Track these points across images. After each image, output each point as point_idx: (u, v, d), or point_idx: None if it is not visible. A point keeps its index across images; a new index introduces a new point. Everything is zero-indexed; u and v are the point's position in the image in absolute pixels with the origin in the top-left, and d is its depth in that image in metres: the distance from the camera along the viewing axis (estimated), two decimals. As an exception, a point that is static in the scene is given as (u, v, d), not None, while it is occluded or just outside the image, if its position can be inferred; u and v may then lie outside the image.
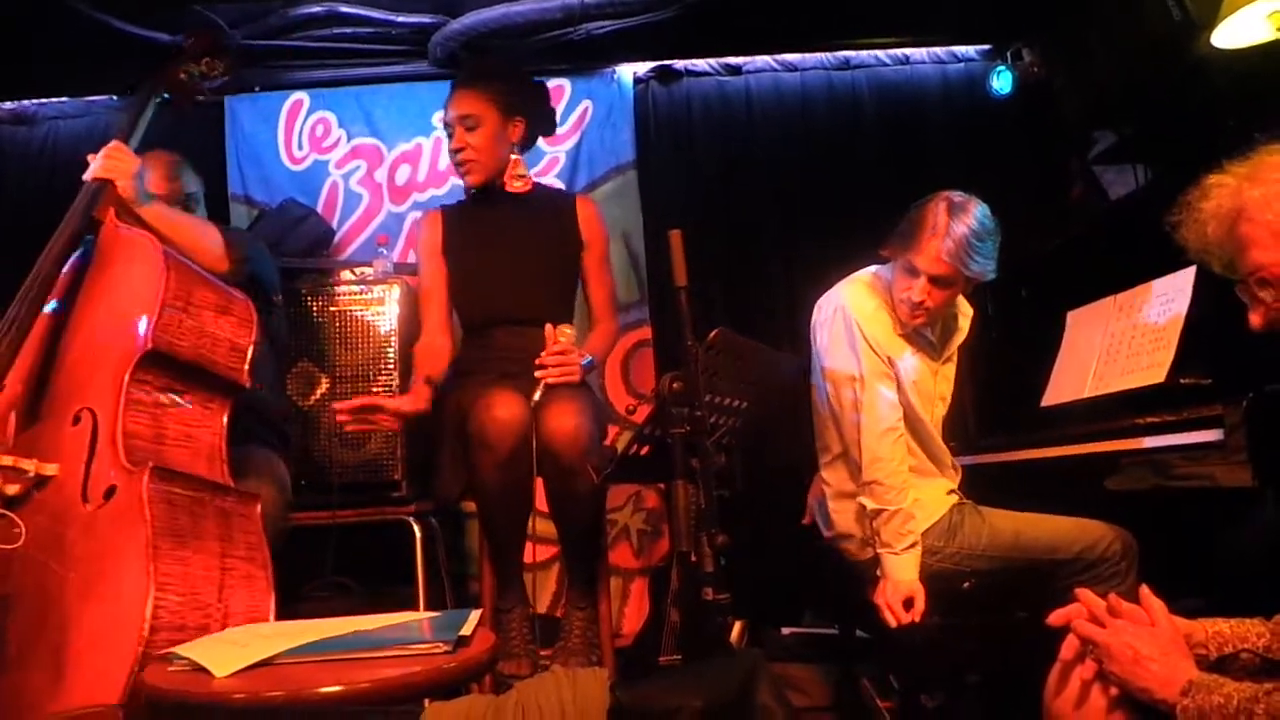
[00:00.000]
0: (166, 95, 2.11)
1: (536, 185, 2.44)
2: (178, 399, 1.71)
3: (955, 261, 1.92)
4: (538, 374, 2.09)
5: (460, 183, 3.37)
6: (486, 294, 2.32)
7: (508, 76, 2.41)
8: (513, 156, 2.38)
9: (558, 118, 3.48)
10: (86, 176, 1.90)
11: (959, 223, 1.92)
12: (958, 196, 1.97)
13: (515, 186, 2.36)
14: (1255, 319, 1.35)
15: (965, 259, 1.92)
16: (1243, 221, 1.33)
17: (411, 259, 3.38)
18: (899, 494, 1.96)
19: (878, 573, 1.97)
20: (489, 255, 2.32)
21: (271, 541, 1.88)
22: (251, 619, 1.54)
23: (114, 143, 1.94)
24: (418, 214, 3.41)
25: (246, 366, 1.80)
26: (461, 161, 2.33)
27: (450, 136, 2.34)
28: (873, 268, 2.18)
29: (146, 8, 3.06)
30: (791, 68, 3.58)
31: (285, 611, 2.29)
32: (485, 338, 2.31)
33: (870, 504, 1.96)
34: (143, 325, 1.67)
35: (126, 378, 1.63)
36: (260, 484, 1.92)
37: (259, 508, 1.68)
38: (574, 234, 2.39)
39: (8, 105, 3.44)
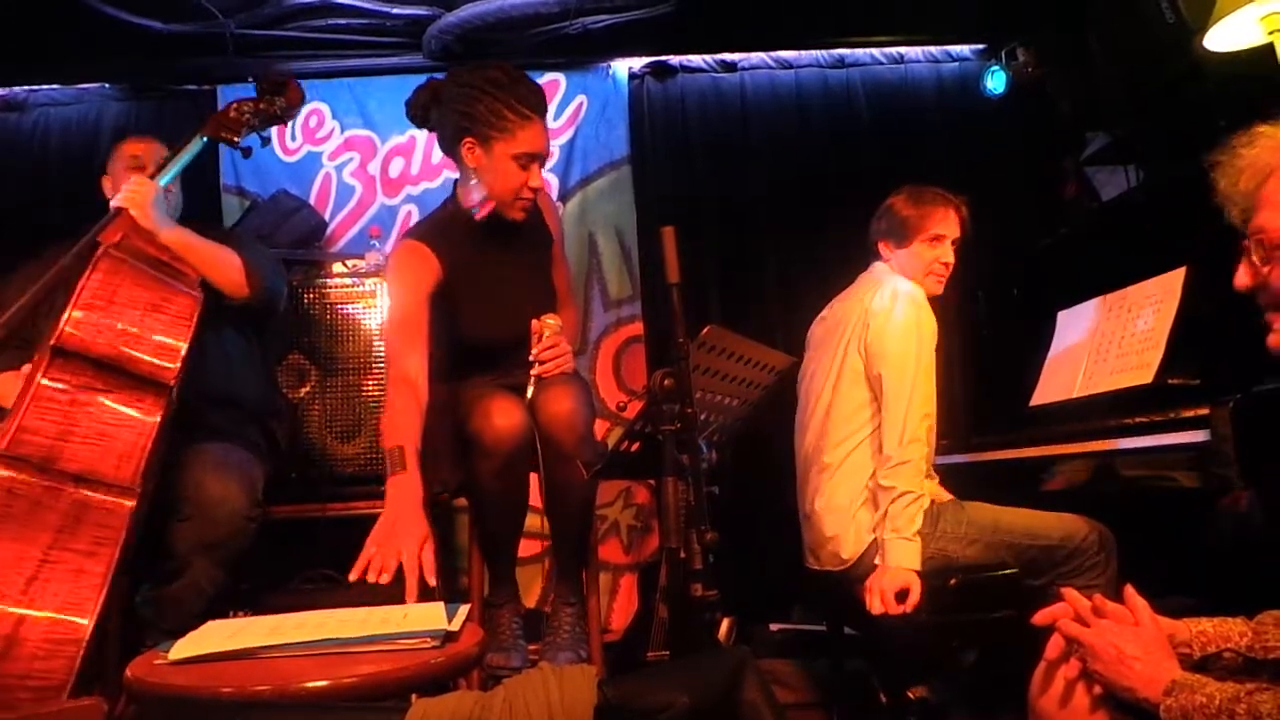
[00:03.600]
0: (206, 139, 2.24)
1: None
2: (99, 397, 1.71)
3: (969, 221, 2.24)
4: (533, 371, 2.10)
5: (454, 176, 3.41)
6: (493, 321, 2.22)
7: None
8: None
9: (553, 112, 3.50)
10: (112, 204, 2.09)
11: (948, 192, 2.24)
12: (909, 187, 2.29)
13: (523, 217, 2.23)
14: (1242, 278, 1.32)
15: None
16: (1272, 180, 1.29)
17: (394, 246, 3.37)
18: (922, 480, 2.00)
19: (875, 561, 1.98)
20: (493, 284, 2.23)
21: (235, 541, 1.91)
22: (62, 615, 1.53)
23: (137, 176, 2.11)
24: (411, 207, 3.41)
25: (178, 365, 1.78)
26: (530, 200, 2.16)
27: (525, 168, 2.12)
28: (884, 270, 2.24)
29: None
30: (787, 65, 3.58)
31: (273, 603, 2.31)
32: (482, 352, 2.25)
33: (898, 485, 1.97)
34: (60, 323, 1.71)
35: (39, 375, 1.67)
36: (228, 485, 1.92)
37: (133, 504, 1.66)
38: (546, 232, 2.38)
39: (-1, 92, 3.42)
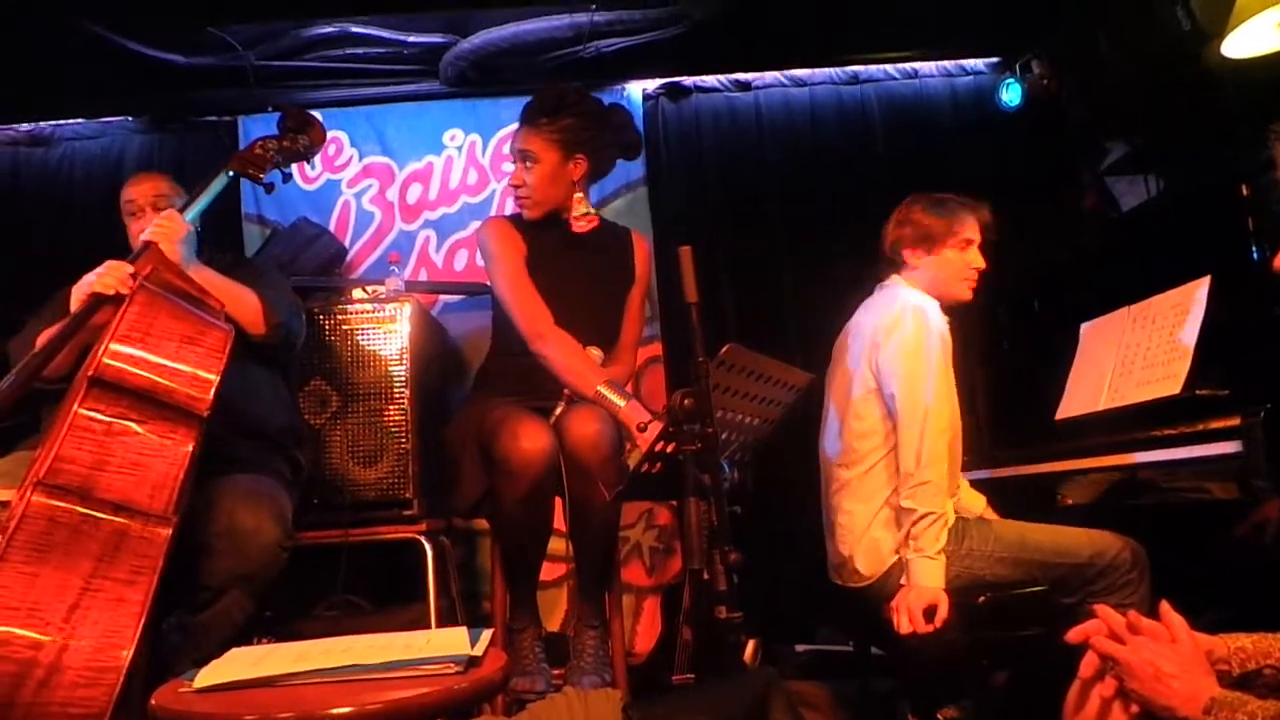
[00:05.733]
0: (232, 173, 2.28)
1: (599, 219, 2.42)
2: (134, 426, 1.72)
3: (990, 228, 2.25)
4: (566, 390, 2.11)
5: (471, 201, 3.45)
6: None
7: (577, 111, 2.32)
8: (575, 195, 2.34)
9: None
10: (141, 238, 2.12)
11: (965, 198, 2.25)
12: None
13: (580, 227, 2.33)
14: None
15: None
16: None
17: (423, 276, 3.39)
18: (944, 499, 1.97)
19: (901, 581, 1.96)
20: (553, 285, 2.28)
21: (268, 572, 1.92)
22: (103, 643, 1.53)
23: (168, 210, 2.16)
24: (430, 232, 3.44)
25: (211, 397, 1.80)
26: (517, 197, 2.34)
27: (514, 168, 2.35)
28: (897, 281, 2.22)
29: (162, 31, 3.10)
30: (800, 83, 3.59)
31: (296, 630, 2.31)
32: (522, 358, 2.27)
33: (919, 507, 1.94)
34: (98, 354, 1.72)
35: (76, 405, 1.67)
36: (260, 516, 1.93)
37: (169, 531, 1.67)
38: (630, 272, 2.41)
39: (25, 127, 3.48)
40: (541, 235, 2.34)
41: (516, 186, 2.31)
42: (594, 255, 2.36)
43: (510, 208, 3.33)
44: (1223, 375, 1.90)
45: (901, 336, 2.05)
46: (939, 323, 2.08)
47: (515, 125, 2.38)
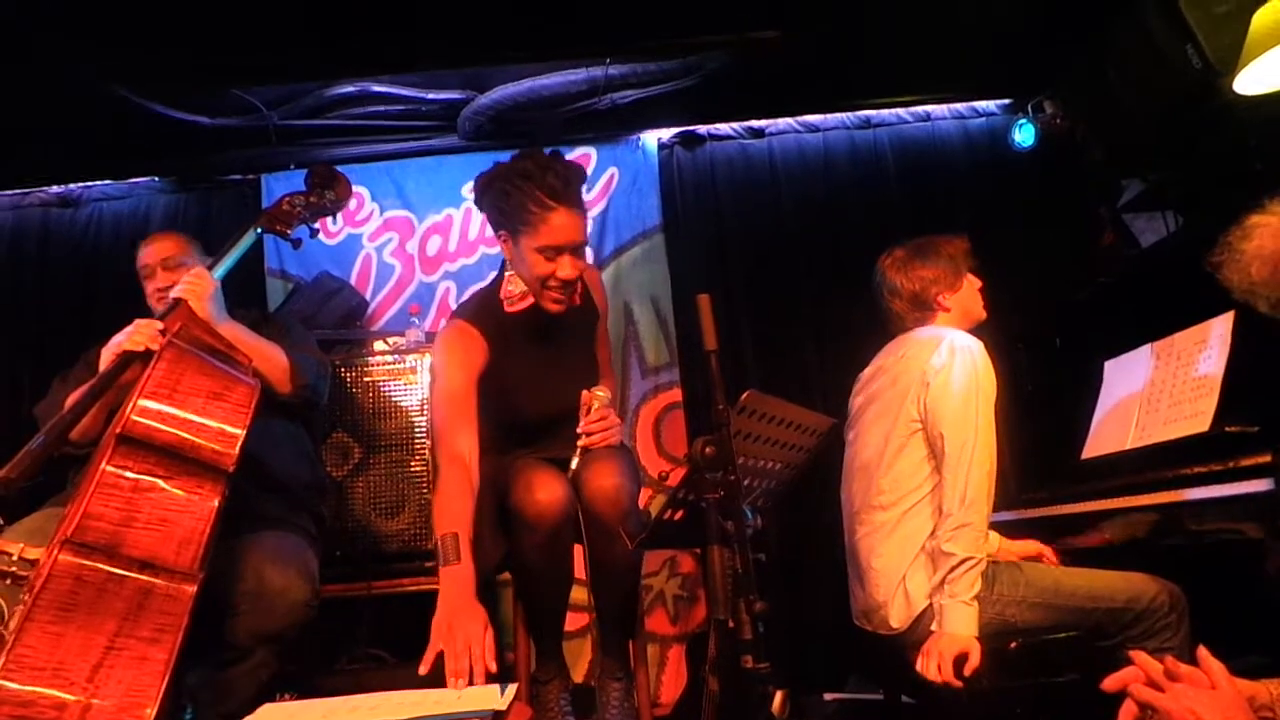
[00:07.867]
0: (260, 230, 2.33)
1: None
2: (160, 483, 1.72)
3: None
4: (580, 441, 2.09)
5: (490, 252, 3.48)
6: (539, 399, 2.20)
7: None
8: None
9: (585, 185, 3.54)
10: (171, 295, 2.14)
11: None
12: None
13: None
14: None
15: None
16: None
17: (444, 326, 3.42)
18: (982, 544, 1.93)
19: (931, 626, 1.92)
20: (540, 363, 2.21)
21: (295, 631, 1.92)
22: (127, 702, 1.52)
23: (197, 268, 2.17)
24: (449, 284, 3.48)
25: (236, 452, 1.80)
26: (560, 292, 2.09)
27: (552, 260, 2.04)
28: (926, 330, 2.19)
29: (187, 94, 3.18)
30: (813, 128, 3.63)
31: (319, 684, 2.29)
32: (527, 428, 2.24)
33: (958, 552, 1.90)
34: (126, 411, 1.73)
35: (104, 463, 1.68)
36: (288, 575, 1.93)
37: (194, 588, 1.66)
38: (593, 310, 2.38)
39: (54, 189, 3.57)
40: (525, 322, 2.18)
41: (569, 281, 2.07)
42: (575, 314, 2.25)
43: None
44: (1251, 411, 1.88)
45: (954, 376, 2.02)
46: (988, 362, 2.05)
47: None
